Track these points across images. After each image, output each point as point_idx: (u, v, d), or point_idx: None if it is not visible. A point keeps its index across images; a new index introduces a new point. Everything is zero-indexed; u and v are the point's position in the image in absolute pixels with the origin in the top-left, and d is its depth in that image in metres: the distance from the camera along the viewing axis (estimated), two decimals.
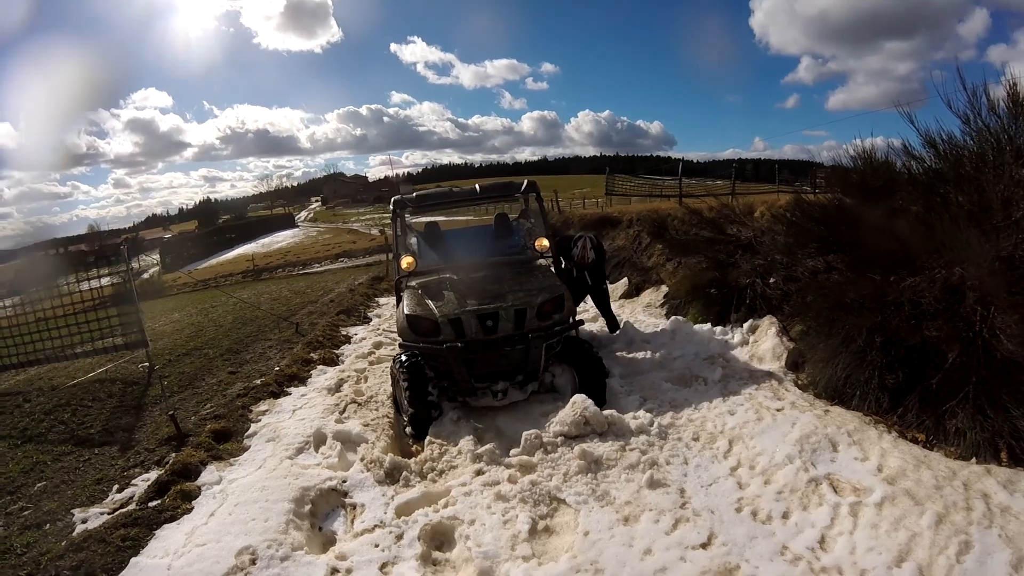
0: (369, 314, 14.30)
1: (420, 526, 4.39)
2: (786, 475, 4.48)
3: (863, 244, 6.00)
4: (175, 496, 5.13)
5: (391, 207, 8.41)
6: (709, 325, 8.00)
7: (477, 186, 8.84)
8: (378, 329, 12.02)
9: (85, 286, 11.04)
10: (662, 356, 7.42)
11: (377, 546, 4.24)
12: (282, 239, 74.76)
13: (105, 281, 11.14)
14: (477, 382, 6.40)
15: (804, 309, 6.61)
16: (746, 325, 7.55)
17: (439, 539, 4.38)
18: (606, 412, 5.54)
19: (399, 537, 4.32)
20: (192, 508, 5.00)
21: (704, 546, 3.89)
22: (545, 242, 7.85)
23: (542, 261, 7.99)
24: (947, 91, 5.45)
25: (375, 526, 4.52)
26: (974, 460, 4.30)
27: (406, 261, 7.79)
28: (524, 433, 5.38)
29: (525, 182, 8.61)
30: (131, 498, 5.45)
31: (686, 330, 7.86)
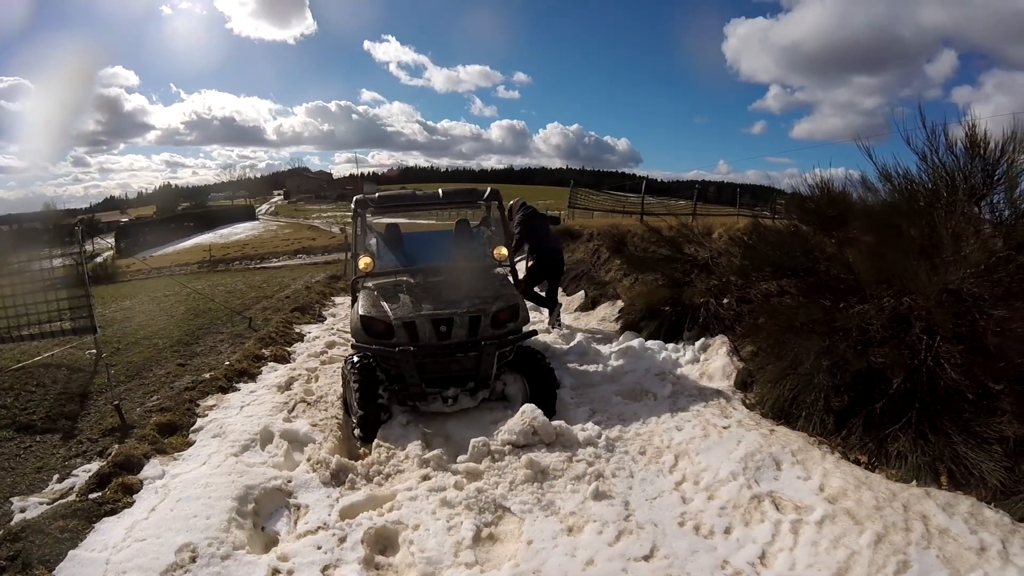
0: (324, 312, 14.18)
1: (364, 529, 4.35)
2: (730, 491, 4.53)
3: (816, 270, 6.12)
4: (116, 489, 5.02)
5: (352, 206, 8.38)
6: (662, 342, 8.04)
7: (440, 191, 8.83)
8: (332, 328, 11.93)
9: (36, 266, 10.81)
10: (614, 370, 7.45)
11: (320, 548, 4.20)
12: (241, 231, 73.89)
13: (56, 262, 10.90)
14: (428, 387, 6.36)
15: (755, 330, 6.70)
16: (698, 343, 7.62)
17: (383, 543, 4.35)
18: (555, 423, 5.55)
19: (342, 540, 4.28)
20: (133, 502, 4.91)
21: (646, 558, 3.92)
22: (504, 251, 7.89)
23: (500, 270, 7.98)
24: (908, 128, 5.59)
25: (318, 528, 4.47)
26: (915, 483, 4.40)
27: (364, 261, 7.77)
28: (472, 440, 5.37)
29: (488, 189, 8.66)
30: (71, 489, 5.35)
31: (639, 345, 7.90)
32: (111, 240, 66.48)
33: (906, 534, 3.82)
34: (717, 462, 4.93)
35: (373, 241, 8.75)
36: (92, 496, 5.00)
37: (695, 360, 7.42)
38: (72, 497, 5.11)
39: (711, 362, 7.20)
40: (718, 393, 6.48)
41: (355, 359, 6.59)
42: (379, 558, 4.18)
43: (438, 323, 6.45)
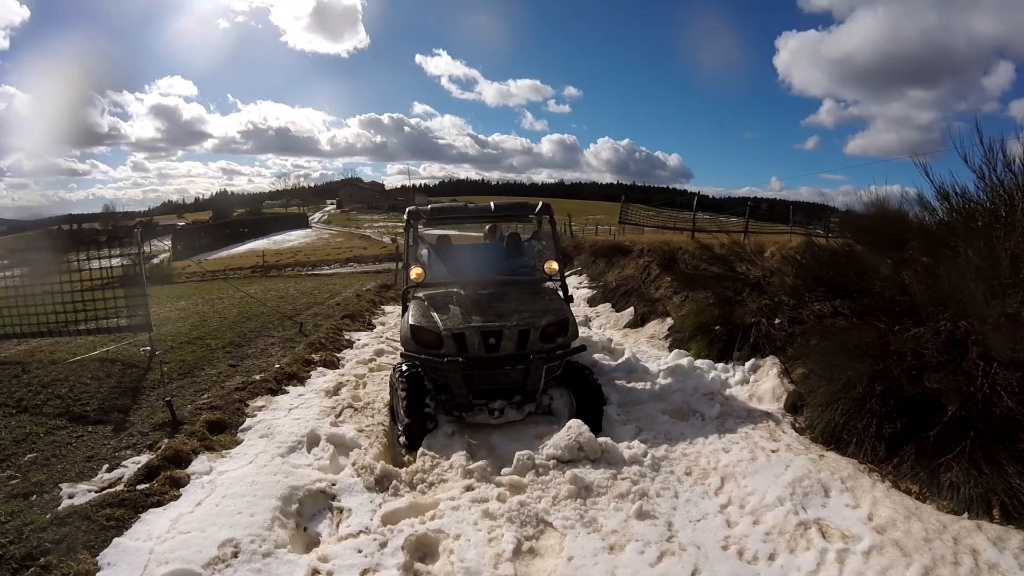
0: (374, 321, 14.33)
1: (405, 536, 4.35)
2: (776, 516, 4.44)
3: (871, 291, 6.01)
4: (164, 482, 5.13)
5: (405, 217, 8.40)
6: (711, 361, 7.95)
7: (492, 204, 8.81)
8: (381, 337, 12.03)
9: (95, 264, 11.10)
10: (662, 388, 7.38)
11: (360, 552, 4.22)
12: (294, 238, 75.08)
13: (115, 262, 11.16)
14: (475, 398, 6.37)
15: (807, 352, 6.57)
16: (748, 364, 7.50)
17: (423, 551, 4.35)
18: (600, 439, 5.50)
19: (383, 545, 4.29)
20: (180, 495, 5.00)
21: None
22: (555, 265, 7.83)
23: (550, 284, 7.94)
24: (965, 145, 5.47)
25: (360, 531, 4.51)
26: (966, 515, 4.27)
27: (415, 272, 7.77)
28: (517, 453, 5.37)
29: (540, 204, 8.61)
30: (120, 479, 5.45)
31: (687, 364, 7.81)
32: (168, 243, 68.03)
33: (955, 568, 3.72)
34: (764, 486, 4.85)
35: (424, 252, 8.78)
36: (140, 487, 5.10)
37: (745, 381, 7.31)
38: (120, 487, 5.21)
39: (761, 383, 7.09)
40: (767, 415, 6.38)
41: (403, 368, 6.64)
42: (418, 565, 4.17)
43: (487, 335, 6.46)
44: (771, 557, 4.07)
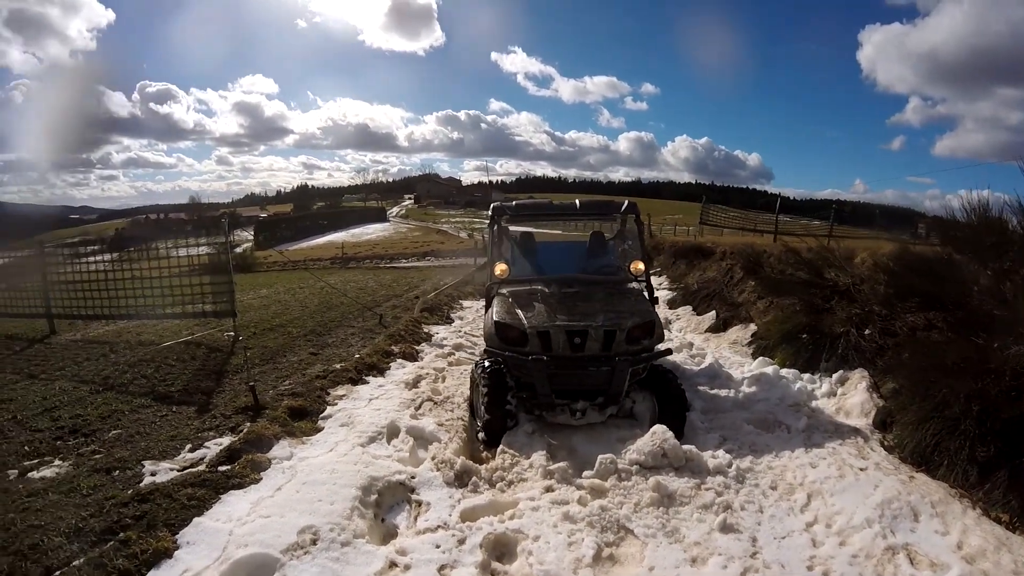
0: (452, 315, 14.44)
1: (484, 534, 4.33)
2: (863, 539, 4.27)
3: (968, 304, 5.77)
4: (245, 465, 5.24)
5: (490, 213, 8.39)
6: (797, 371, 7.75)
7: (577, 201, 8.70)
8: (460, 331, 12.12)
9: (183, 252, 11.47)
10: (745, 396, 7.22)
11: (438, 547, 4.21)
12: (372, 231, 77.07)
13: (201, 250, 11.48)
14: (558, 398, 6.29)
15: (899, 366, 6.33)
16: (835, 376, 7.27)
17: (501, 550, 4.31)
18: (685, 447, 5.39)
19: (461, 541, 4.27)
20: (260, 479, 5.11)
21: None
22: (641, 265, 7.73)
23: (635, 285, 7.81)
24: None
25: (438, 526, 4.51)
26: None
27: (500, 268, 7.71)
28: (599, 456, 5.28)
29: (626, 202, 8.48)
30: (202, 459, 5.60)
31: (773, 373, 7.62)
32: (250, 233, 70.18)
33: None
34: (852, 506, 4.67)
35: (507, 248, 8.72)
36: (221, 469, 5.22)
37: (832, 393, 7.10)
38: (202, 467, 5.35)
39: (849, 397, 6.86)
40: (855, 431, 6.16)
41: (486, 364, 6.58)
42: (496, 564, 4.14)
43: (572, 334, 6.37)
44: None
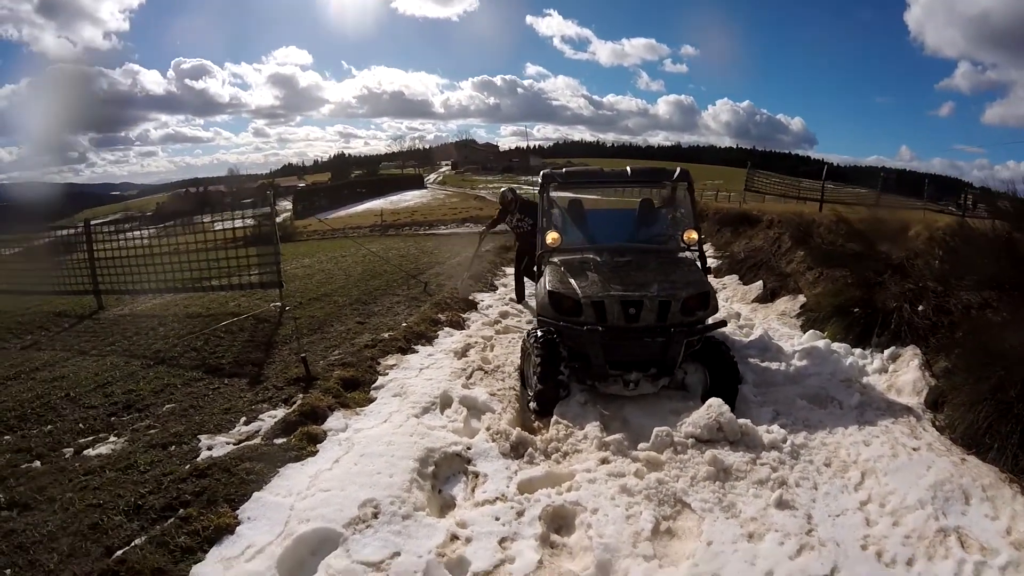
0: (496, 282, 14.43)
1: (542, 506, 4.36)
2: (916, 520, 4.26)
3: None
4: (301, 437, 5.26)
5: (539, 180, 8.35)
6: (848, 346, 7.64)
7: (629, 169, 8.65)
8: (504, 298, 12.12)
9: (226, 224, 11.61)
10: (796, 370, 7.18)
11: (497, 519, 4.24)
12: (410, 198, 77.31)
13: (242, 223, 11.64)
14: (611, 369, 6.26)
15: (953, 345, 6.29)
16: (887, 352, 7.19)
17: (558, 522, 4.35)
18: (740, 421, 5.37)
19: (520, 514, 4.30)
20: (317, 451, 5.13)
21: None
22: (694, 235, 7.69)
23: (687, 254, 7.80)
24: None
25: (496, 498, 4.53)
26: None
27: (551, 236, 7.67)
28: (655, 429, 5.28)
29: (678, 170, 8.44)
30: (257, 432, 5.64)
31: (824, 347, 7.54)
32: (289, 203, 70.81)
33: None
34: (905, 486, 4.65)
35: (557, 216, 8.60)
36: (277, 441, 5.27)
37: (883, 370, 7.02)
38: (257, 440, 5.40)
39: (901, 374, 6.78)
40: (907, 410, 6.10)
41: (539, 333, 6.56)
42: (554, 537, 4.19)
43: (627, 305, 6.34)
44: (909, 562, 3.93)
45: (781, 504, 4.44)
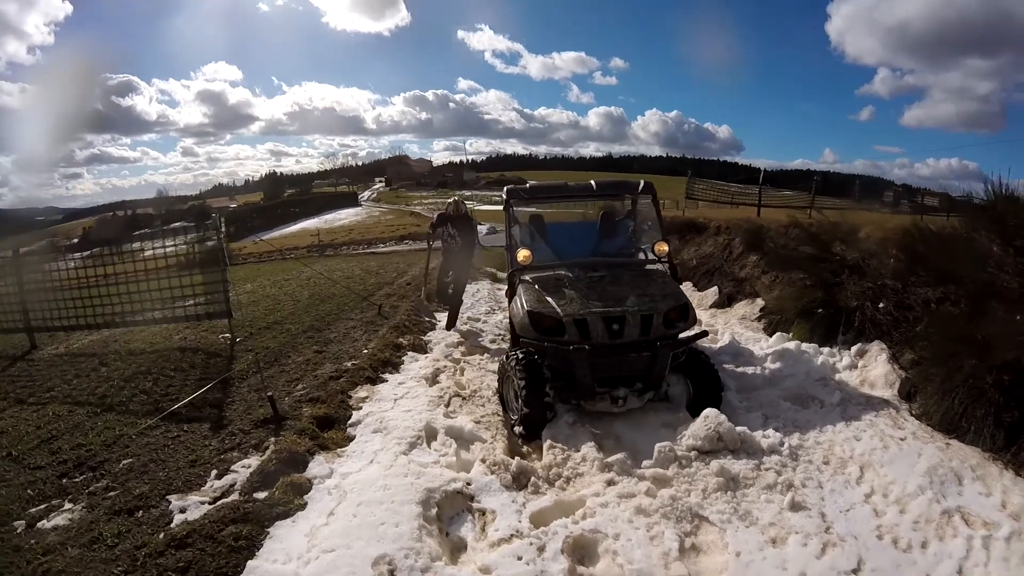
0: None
1: (562, 538, 4.19)
2: (920, 505, 4.43)
3: (990, 279, 5.93)
4: (285, 489, 4.77)
5: (504, 196, 8.37)
6: (815, 345, 7.81)
7: (594, 182, 8.74)
8: (462, 317, 11.77)
9: (163, 249, 10.95)
10: (772, 373, 7.27)
11: (520, 559, 4.03)
12: (345, 217, 78.02)
13: (180, 248, 11.11)
14: (598, 386, 6.20)
15: (920, 338, 6.50)
16: (854, 349, 7.37)
17: (580, 552, 4.21)
18: (738, 429, 5.39)
19: (541, 549, 4.11)
20: (306, 504, 4.66)
21: (855, 572, 3.86)
22: (665, 246, 7.73)
23: (659, 266, 7.82)
24: None
25: (512, 535, 4.32)
26: None
27: (523, 254, 7.59)
28: (657, 445, 5.24)
29: (642, 183, 8.58)
30: (232, 486, 5.02)
31: (795, 348, 7.68)
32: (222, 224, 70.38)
33: None
34: (903, 475, 4.80)
35: (522, 232, 8.60)
36: (258, 496, 4.74)
37: (852, 366, 7.20)
38: (235, 496, 4.82)
39: (870, 369, 6.97)
40: (885, 403, 6.27)
41: (519, 355, 6.48)
42: (581, 569, 4.05)
43: (610, 321, 6.32)
44: (924, 545, 4.09)
45: (794, 506, 4.50)
